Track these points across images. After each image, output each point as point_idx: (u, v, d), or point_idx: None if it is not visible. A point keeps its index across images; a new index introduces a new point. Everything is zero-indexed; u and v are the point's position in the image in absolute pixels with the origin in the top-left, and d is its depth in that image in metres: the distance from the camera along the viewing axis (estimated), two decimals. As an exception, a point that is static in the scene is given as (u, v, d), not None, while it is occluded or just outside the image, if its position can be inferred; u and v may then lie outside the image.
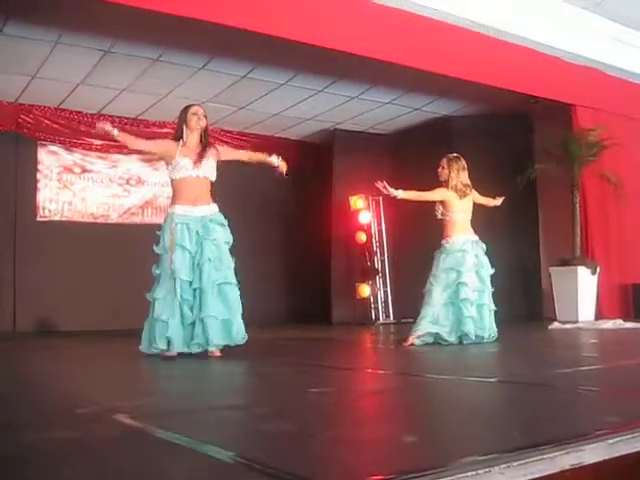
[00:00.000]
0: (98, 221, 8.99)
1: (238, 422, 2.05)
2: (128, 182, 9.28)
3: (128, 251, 8.53)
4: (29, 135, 8.41)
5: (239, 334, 4.33)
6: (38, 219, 8.58)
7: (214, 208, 4.53)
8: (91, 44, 6.56)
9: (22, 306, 8.13)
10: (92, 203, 8.99)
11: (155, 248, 4.43)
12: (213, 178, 4.56)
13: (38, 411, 2.37)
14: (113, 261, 8.53)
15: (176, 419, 2.07)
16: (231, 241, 4.52)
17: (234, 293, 4.38)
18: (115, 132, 4.29)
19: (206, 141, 4.60)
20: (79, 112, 8.61)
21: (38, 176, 8.65)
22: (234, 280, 4.40)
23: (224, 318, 4.28)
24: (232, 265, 4.43)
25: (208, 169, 4.50)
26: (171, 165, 4.48)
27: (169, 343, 4.24)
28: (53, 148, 8.74)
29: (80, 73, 7.32)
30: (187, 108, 4.61)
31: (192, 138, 4.55)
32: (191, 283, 4.30)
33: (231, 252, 4.49)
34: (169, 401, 2.56)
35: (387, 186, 5.10)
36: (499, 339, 5.09)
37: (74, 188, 8.89)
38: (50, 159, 8.76)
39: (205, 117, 4.60)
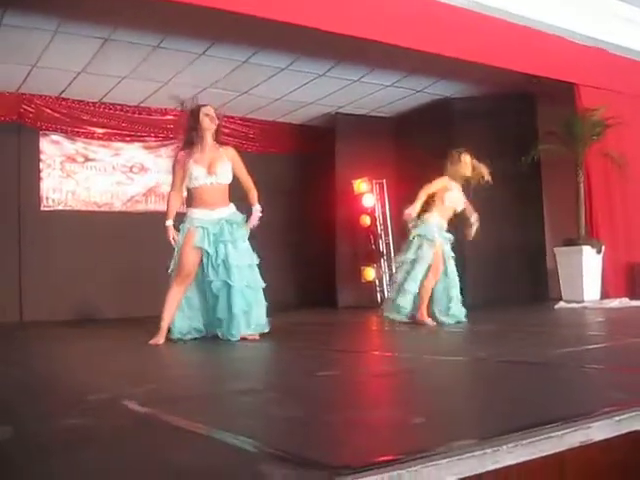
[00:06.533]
0: (102, 209, 8.99)
1: (248, 407, 2.07)
2: (131, 170, 9.27)
3: (133, 239, 8.55)
4: (31, 125, 8.39)
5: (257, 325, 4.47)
6: (42, 209, 8.58)
7: (232, 209, 4.51)
8: (91, 32, 6.53)
9: (28, 296, 8.16)
10: (96, 192, 8.98)
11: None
12: (228, 181, 4.48)
13: (49, 399, 2.39)
14: (118, 249, 8.55)
15: (186, 405, 2.09)
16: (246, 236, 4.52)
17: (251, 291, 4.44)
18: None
19: (218, 141, 4.54)
20: (80, 101, 8.59)
21: (41, 166, 8.64)
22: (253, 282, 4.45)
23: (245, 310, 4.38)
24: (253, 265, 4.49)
25: (222, 174, 4.42)
26: (187, 176, 4.41)
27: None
28: (55, 137, 8.72)
29: (81, 61, 7.29)
30: (198, 109, 4.45)
31: (205, 141, 4.44)
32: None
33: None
34: (178, 387, 2.58)
35: None
36: (506, 319, 5.10)
37: (77, 177, 8.89)
38: (52, 149, 8.75)
39: (217, 117, 4.50)
